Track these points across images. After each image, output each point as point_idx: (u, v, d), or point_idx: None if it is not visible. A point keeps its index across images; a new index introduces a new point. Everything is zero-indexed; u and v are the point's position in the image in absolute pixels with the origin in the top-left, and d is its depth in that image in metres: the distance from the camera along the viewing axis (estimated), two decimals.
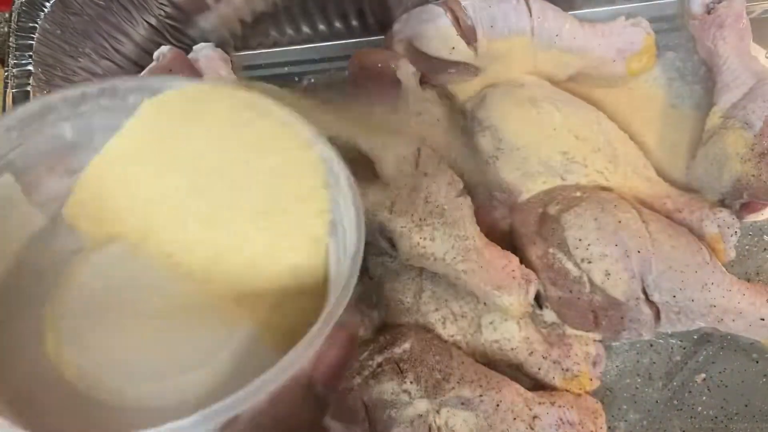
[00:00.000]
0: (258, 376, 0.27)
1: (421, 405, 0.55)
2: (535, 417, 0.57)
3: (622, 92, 0.68)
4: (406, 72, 0.65)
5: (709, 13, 0.65)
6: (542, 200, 0.61)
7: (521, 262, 0.59)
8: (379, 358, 0.57)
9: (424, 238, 0.57)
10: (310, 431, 0.33)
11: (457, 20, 0.65)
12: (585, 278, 0.57)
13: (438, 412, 0.56)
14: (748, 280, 0.60)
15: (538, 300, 0.61)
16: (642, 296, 0.57)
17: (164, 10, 0.70)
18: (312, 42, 0.76)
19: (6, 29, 0.77)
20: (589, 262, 0.57)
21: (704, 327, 0.59)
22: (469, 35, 0.65)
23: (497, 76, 0.66)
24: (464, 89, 0.66)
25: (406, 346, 0.57)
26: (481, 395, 0.56)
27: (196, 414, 0.26)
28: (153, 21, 0.71)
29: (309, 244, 0.36)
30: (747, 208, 0.62)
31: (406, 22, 0.67)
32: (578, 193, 0.60)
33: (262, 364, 0.27)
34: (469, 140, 0.68)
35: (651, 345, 0.64)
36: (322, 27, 0.74)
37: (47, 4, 0.66)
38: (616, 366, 0.64)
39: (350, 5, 0.70)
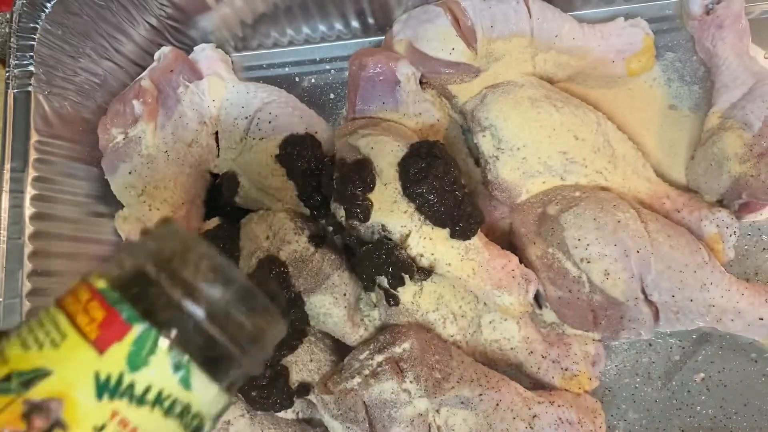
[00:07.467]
0: None
1: (421, 404, 0.55)
2: (534, 416, 0.57)
3: (622, 93, 0.68)
4: (406, 72, 0.65)
5: (708, 13, 0.65)
6: (542, 200, 0.61)
7: (521, 261, 0.60)
8: (379, 358, 0.57)
9: (424, 238, 0.57)
10: None
11: (456, 21, 0.65)
12: (584, 278, 0.57)
13: (438, 411, 0.56)
14: (747, 280, 0.60)
15: (538, 300, 0.62)
16: (641, 296, 0.57)
17: (165, 11, 0.70)
18: (312, 43, 0.76)
19: (7, 30, 0.77)
20: (589, 262, 0.57)
21: (703, 326, 0.59)
22: (468, 36, 0.65)
23: (497, 76, 0.66)
24: (464, 89, 0.66)
25: (406, 345, 0.57)
26: (480, 394, 0.56)
27: None
28: (153, 21, 0.71)
29: None
30: (746, 208, 0.62)
31: (406, 22, 0.67)
32: (578, 193, 0.60)
33: None
34: (468, 140, 0.68)
35: (650, 344, 0.64)
36: (322, 28, 0.74)
37: (48, 5, 0.66)
38: (616, 365, 0.64)
39: (350, 6, 0.70)
